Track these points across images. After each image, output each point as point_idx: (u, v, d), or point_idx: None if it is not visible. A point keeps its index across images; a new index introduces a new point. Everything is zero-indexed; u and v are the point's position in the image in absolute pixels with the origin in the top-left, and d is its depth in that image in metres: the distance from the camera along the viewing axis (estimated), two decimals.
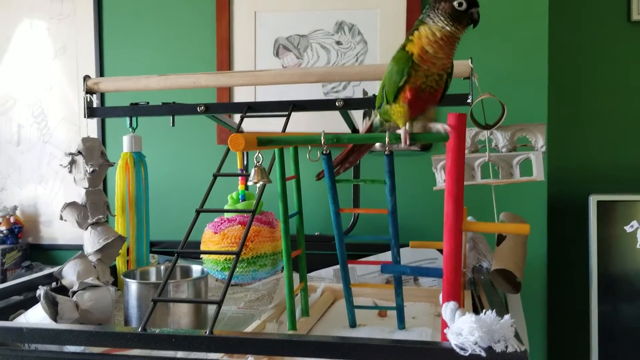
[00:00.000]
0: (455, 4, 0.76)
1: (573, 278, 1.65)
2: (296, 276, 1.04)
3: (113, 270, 1.22)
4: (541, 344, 1.47)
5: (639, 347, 1.39)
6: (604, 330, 1.39)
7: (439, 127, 0.77)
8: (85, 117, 1.14)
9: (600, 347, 1.39)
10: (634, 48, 1.67)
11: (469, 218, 1.11)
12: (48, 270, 1.11)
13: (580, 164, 1.69)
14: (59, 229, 1.65)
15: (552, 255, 1.56)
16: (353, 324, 0.98)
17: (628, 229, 1.38)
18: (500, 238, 1.05)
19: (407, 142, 0.78)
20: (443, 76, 0.80)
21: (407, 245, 1.02)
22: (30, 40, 1.66)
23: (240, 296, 1.18)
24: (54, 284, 1.07)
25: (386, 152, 0.77)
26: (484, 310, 0.63)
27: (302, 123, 1.45)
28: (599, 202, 1.40)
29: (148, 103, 1.15)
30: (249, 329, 0.89)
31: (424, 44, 0.77)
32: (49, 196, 1.67)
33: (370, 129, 0.90)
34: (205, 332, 0.68)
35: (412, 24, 1.49)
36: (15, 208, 1.65)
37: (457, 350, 0.63)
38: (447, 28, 0.76)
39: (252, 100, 1.52)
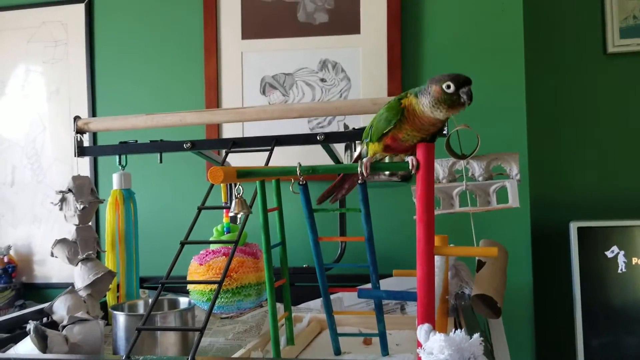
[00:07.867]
0: (444, 86, 0.74)
1: (558, 302, 1.67)
2: (281, 306, 1.06)
3: (104, 305, 1.24)
4: None
5: None
6: (590, 352, 1.40)
7: (410, 159, 0.79)
8: (75, 156, 1.18)
9: None
10: (610, 79, 1.72)
11: (451, 245, 1.13)
12: (39, 306, 1.13)
13: (561, 192, 1.72)
14: (53, 268, 1.67)
15: (537, 281, 1.58)
16: (337, 352, 1.00)
17: (609, 254, 1.41)
18: (480, 264, 1.07)
19: (367, 172, 0.78)
20: (429, 131, 0.79)
21: (392, 275, 1.05)
22: (25, 84, 1.72)
23: (229, 328, 1.20)
24: (45, 319, 1.09)
25: (359, 182, 0.80)
26: (453, 330, 0.66)
27: (293, 157, 1.49)
28: (580, 229, 1.43)
29: (137, 141, 1.19)
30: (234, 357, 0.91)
31: (415, 110, 0.77)
32: (43, 235, 1.69)
33: (359, 158, 0.94)
34: (187, 359, 0.70)
35: (393, 61, 1.51)
36: (9, 248, 1.67)
37: None
38: (432, 114, 0.75)
39: (240, 136, 1.56)
